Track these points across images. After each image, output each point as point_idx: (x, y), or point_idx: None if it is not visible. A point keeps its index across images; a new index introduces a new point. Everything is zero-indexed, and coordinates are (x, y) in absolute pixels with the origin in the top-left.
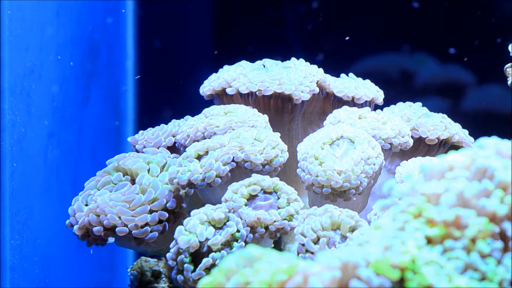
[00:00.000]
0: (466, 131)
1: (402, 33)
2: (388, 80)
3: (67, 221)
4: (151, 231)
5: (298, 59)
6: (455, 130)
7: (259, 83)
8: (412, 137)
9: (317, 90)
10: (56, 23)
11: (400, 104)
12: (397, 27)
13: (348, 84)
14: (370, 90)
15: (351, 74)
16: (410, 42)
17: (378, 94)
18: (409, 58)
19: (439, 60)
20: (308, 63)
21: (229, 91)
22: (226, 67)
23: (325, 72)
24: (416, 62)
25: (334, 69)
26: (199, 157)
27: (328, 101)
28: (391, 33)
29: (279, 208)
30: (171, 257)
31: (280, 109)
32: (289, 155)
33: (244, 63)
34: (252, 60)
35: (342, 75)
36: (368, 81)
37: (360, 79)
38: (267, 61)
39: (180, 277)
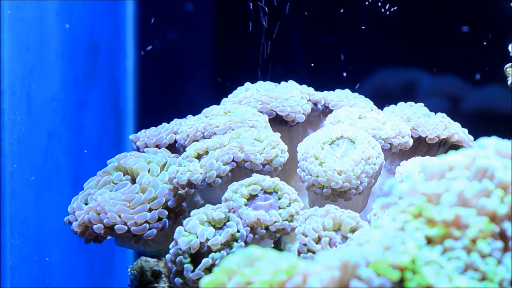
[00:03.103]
0: (466, 130)
1: (397, 48)
2: (389, 97)
3: (66, 218)
4: (150, 228)
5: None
6: (455, 130)
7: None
8: (412, 136)
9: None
10: (56, 23)
11: (401, 103)
12: (392, 43)
13: (344, 98)
14: (367, 104)
15: (346, 90)
16: (406, 57)
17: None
18: (407, 73)
19: (437, 70)
20: (305, 86)
21: None
22: (231, 97)
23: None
24: (414, 76)
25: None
26: (199, 157)
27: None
28: (386, 50)
29: (280, 208)
30: (170, 259)
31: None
32: (289, 155)
33: (247, 85)
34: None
35: (338, 90)
36: (362, 96)
37: (356, 94)
38: (265, 84)
39: (178, 280)
